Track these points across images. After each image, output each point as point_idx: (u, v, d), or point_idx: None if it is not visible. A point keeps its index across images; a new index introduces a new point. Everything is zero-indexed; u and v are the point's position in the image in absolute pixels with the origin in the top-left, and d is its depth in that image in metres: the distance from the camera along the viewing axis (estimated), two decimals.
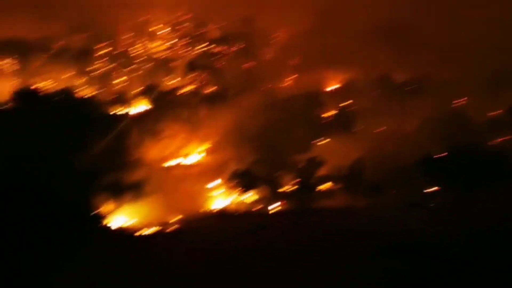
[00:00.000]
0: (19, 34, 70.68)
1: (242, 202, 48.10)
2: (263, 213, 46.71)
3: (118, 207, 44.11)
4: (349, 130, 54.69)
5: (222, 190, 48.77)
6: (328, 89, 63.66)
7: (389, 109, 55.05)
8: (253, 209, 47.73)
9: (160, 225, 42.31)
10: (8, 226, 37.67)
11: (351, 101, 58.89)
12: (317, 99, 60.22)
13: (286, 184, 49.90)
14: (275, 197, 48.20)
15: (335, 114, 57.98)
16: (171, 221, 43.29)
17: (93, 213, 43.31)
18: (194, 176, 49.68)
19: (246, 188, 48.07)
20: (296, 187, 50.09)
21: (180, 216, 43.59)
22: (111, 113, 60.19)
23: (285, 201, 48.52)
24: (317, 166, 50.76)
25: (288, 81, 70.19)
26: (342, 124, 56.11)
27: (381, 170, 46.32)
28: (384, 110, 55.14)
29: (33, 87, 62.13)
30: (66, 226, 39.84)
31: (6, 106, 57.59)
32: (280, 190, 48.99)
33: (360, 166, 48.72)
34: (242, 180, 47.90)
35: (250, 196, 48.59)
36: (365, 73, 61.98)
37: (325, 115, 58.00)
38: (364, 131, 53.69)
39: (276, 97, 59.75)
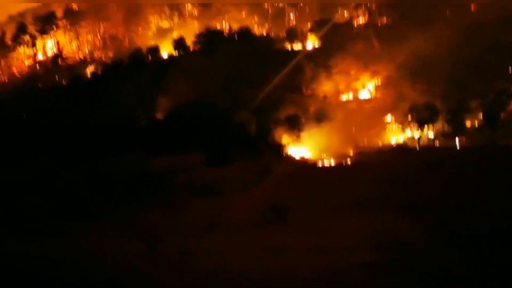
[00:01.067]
0: None
1: (420, 137, 46.75)
2: (443, 148, 44.76)
3: (296, 139, 46.05)
4: None
5: (399, 124, 47.90)
6: None
7: None
8: (433, 144, 46.42)
9: (338, 157, 43.38)
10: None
11: None
12: None
13: (469, 119, 47.00)
14: (456, 132, 45.92)
15: None
16: (349, 154, 44.23)
17: (273, 144, 45.88)
18: (370, 110, 49.39)
19: (424, 122, 46.34)
20: (479, 123, 46.73)
21: (357, 149, 44.26)
22: (286, 49, 61.75)
23: (465, 138, 45.86)
24: (505, 101, 46.31)
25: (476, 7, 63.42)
26: None
27: None
28: None
29: (215, 27, 66.72)
30: (248, 154, 43.02)
31: (193, 47, 62.82)
32: (462, 125, 46.24)
33: None
34: (421, 114, 46.04)
35: (429, 131, 47.20)
36: None
37: None
38: None
39: (461, 25, 54.60)
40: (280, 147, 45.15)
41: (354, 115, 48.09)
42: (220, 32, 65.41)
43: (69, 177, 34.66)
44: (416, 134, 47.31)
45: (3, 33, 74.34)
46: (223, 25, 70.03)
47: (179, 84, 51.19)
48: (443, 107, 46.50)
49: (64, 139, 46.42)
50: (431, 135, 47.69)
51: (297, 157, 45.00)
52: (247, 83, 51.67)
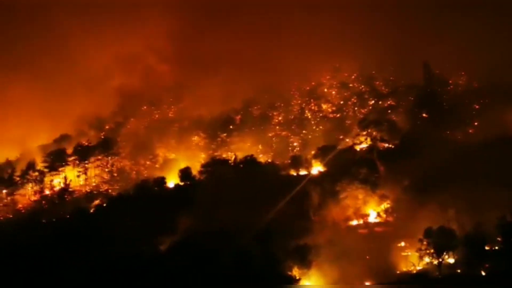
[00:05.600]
0: (205, 114, 78.59)
1: (440, 264, 43.56)
2: (468, 276, 41.60)
3: (308, 269, 43.43)
4: None
5: (416, 250, 44.89)
6: None
7: None
8: (455, 272, 43.17)
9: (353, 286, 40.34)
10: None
11: None
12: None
13: (491, 243, 44.31)
14: (479, 258, 42.93)
15: None
16: (366, 283, 41.13)
17: (281, 275, 43.33)
18: (382, 234, 47.40)
19: (443, 248, 43.40)
20: (502, 246, 43.92)
21: (374, 279, 41.27)
22: (291, 175, 61.72)
23: (490, 264, 42.73)
24: None
25: (472, 128, 64.78)
26: None
27: None
28: None
29: (220, 157, 67.72)
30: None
31: (199, 175, 63.09)
32: (484, 249, 43.44)
33: None
34: (438, 239, 43.39)
35: (449, 258, 44.06)
36: None
37: None
38: None
39: (462, 145, 55.03)
40: (289, 280, 42.31)
41: (366, 241, 45.97)
42: (225, 161, 66.26)
43: None
44: (439, 259, 43.88)
45: (13, 171, 75.50)
46: (228, 154, 71.17)
47: (185, 213, 50.54)
48: (460, 230, 44.18)
49: (64, 271, 45.26)
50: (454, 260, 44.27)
51: None
52: (254, 210, 50.64)
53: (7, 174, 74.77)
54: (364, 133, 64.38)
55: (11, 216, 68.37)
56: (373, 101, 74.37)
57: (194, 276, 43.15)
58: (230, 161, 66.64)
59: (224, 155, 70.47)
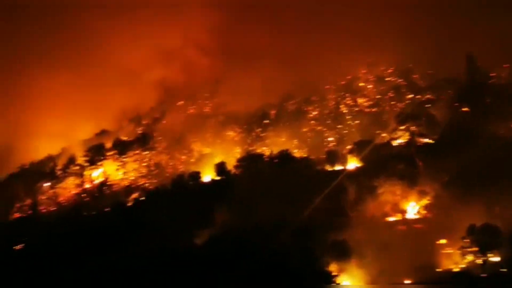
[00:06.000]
0: (240, 109, 78.90)
1: (485, 262, 42.23)
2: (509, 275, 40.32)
3: (344, 265, 43.04)
4: None
5: (458, 248, 43.69)
6: None
7: None
8: (499, 271, 41.70)
9: (392, 284, 39.71)
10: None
11: None
12: None
13: None
14: None
15: None
16: (404, 281, 40.47)
17: (319, 272, 43.04)
18: (421, 232, 46.37)
19: (485, 246, 42.12)
20: None
21: (413, 277, 40.50)
22: (326, 170, 61.21)
23: None
24: None
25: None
26: None
27: None
28: None
29: (255, 152, 67.86)
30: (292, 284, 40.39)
31: (234, 170, 63.35)
32: None
33: None
34: (482, 237, 42.08)
35: (493, 256, 42.48)
36: None
37: None
38: None
39: (505, 140, 53.18)
40: (327, 276, 41.97)
41: (405, 238, 45.11)
42: (261, 156, 66.34)
43: None
44: (480, 258, 42.66)
45: (54, 165, 78.04)
46: (263, 149, 71.19)
47: (221, 208, 50.82)
48: (506, 228, 42.74)
49: (105, 264, 46.28)
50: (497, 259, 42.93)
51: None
52: (290, 205, 50.51)
53: (49, 168, 77.64)
54: (402, 127, 62.95)
55: (54, 208, 70.86)
56: (410, 95, 72.73)
57: (230, 270, 43.31)
58: (265, 156, 66.74)
59: (258, 150, 70.58)
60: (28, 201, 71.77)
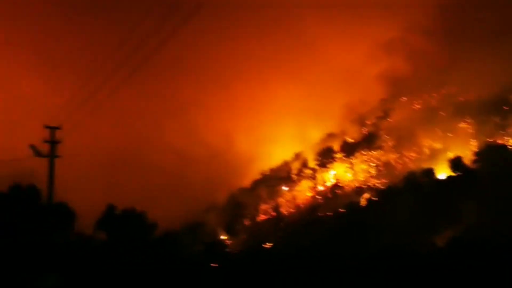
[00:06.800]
0: (471, 97, 72.10)
1: None
2: None
3: None
4: None
5: None
6: None
7: None
8: None
9: None
10: None
11: None
12: None
13: None
14: None
15: None
16: None
17: None
18: None
19: None
20: None
21: None
22: None
23: None
24: None
25: None
26: None
27: None
28: None
29: (496, 143, 61.30)
30: None
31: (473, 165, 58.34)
32: None
33: None
34: None
35: None
36: None
37: None
38: None
39: None
40: None
41: None
42: (503, 147, 59.57)
43: None
44: None
45: (289, 170, 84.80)
46: (504, 139, 63.70)
47: (463, 206, 47.30)
48: None
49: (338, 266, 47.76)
50: None
51: None
52: None
53: (285, 173, 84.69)
54: None
55: (293, 211, 76.89)
56: None
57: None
58: (508, 147, 59.62)
59: (499, 141, 63.45)
60: (271, 204, 79.46)
